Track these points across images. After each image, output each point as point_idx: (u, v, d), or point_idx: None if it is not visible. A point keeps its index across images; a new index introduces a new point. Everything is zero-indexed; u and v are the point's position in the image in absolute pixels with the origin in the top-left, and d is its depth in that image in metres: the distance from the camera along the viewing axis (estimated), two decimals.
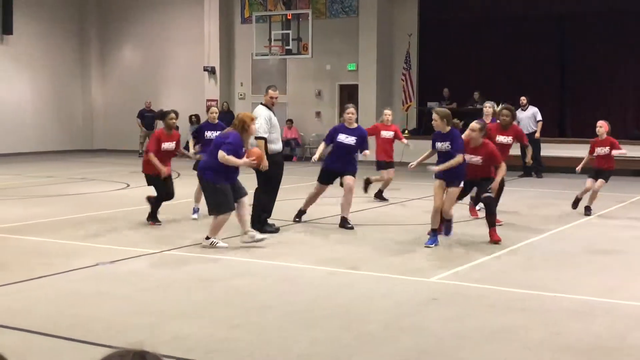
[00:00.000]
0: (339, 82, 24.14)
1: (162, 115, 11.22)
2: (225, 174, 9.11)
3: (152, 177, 10.94)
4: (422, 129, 22.53)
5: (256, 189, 10.58)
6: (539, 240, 10.03)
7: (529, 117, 18.92)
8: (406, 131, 22.78)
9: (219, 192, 9.11)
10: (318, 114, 24.55)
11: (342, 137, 11.02)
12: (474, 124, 9.77)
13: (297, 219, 11.34)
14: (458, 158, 9.11)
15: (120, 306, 6.75)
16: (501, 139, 10.99)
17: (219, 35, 25.40)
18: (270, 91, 10.73)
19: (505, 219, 11.12)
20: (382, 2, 23.11)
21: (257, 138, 10.06)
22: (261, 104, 10.75)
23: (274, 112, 10.70)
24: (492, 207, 9.74)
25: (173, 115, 11.01)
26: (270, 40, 22.65)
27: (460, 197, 10.11)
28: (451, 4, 22.70)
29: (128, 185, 16.13)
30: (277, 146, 10.57)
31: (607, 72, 21.10)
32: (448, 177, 9.40)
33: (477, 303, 6.87)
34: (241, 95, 25.52)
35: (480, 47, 22.59)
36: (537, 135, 18.39)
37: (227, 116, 24.33)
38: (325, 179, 11.22)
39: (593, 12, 21.17)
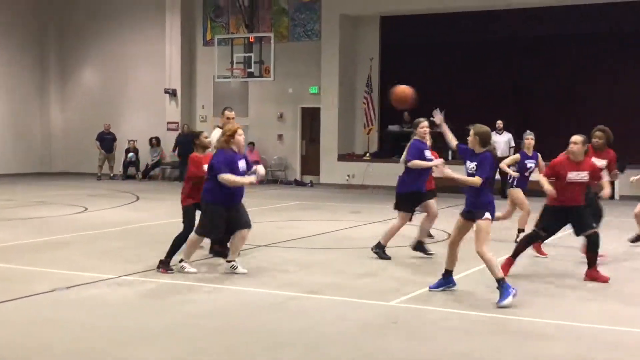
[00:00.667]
0: (301, 105, 24.23)
1: (195, 135, 10.19)
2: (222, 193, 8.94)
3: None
4: (384, 152, 22.73)
5: None
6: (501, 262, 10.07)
7: (505, 141, 19.13)
8: (367, 154, 22.99)
9: (207, 212, 9.06)
10: (280, 136, 24.59)
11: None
12: (577, 137, 8.77)
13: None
14: (476, 179, 7.93)
15: (75, 332, 6.67)
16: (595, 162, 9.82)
17: (180, 57, 25.38)
18: (226, 112, 10.73)
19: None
20: (345, 26, 23.32)
21: None
22: (218, 126, 10.74)
23: None
24: (597, 244, 8.82)
25: (206, 134, 10.47)
26: (232, 63, 22.68)
27: (547, 236, 9.24)
28: (411, 29, 22.94)
29: (86, 209, 15.96)
30: None
31: (563, 95, 21.48)
32: (472, 208, 8.03)
33: (438, 326, 6.90)
34: (202, 117, 25.46)
35: (440, 71, 22.87)
36: None
37: (186, 138, 24.37)
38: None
39: (548, 36, 21.57)
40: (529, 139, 11.78)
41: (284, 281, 8.89)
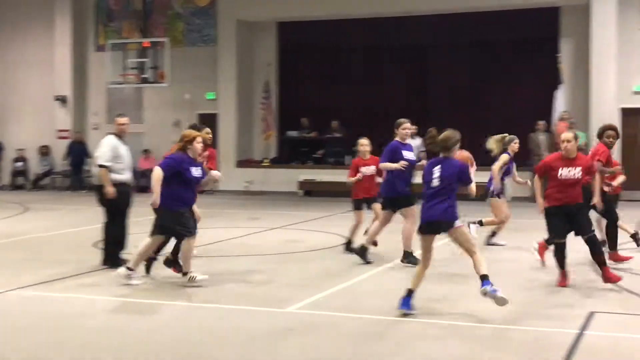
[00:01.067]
0: (198, 111, 23.89)
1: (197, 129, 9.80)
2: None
3: None
4: (283, 158, 22.71)
5: (104, 222, 10.23)
6: (393, 266, 10.13)
7: (417, 146, 19.36)
8: (266, 160, 22.89)
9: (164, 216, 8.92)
10: None
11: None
12: (568, 134, 8.67)
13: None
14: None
15: None
16: None
17: (71, 62, 24.62)
18: (117, 119, 10.50)
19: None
20: (241, 31, 23.18)
21: (99, 166, 9.96)
22: (111, 133, 10.44)
23: (124, 142, 10.40)
24: (598, 247, 8.69)
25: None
26: (125, 68, 22.17)
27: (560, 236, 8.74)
28: (309, 33, 23.03)
29: None
30: (122, 176, 10.18)
31: (468, 101, 21.88)
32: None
33: (333, 331, 6.85)
34: (95, 125, 24.76)
35: (339, 76, 23.04)
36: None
37: (78, 147, 23.69)
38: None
39: (452, 43, 22.02)
40: (516, 143, 11.84)
41: (178, 291, 8.67)
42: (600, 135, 10.36)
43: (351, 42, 22.86)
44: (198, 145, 8.93)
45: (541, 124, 19.75)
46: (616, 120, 19.64)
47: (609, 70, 19.64)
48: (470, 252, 7.51)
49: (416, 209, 10.08)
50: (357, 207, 11.05)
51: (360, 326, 7.04)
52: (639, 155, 20.06)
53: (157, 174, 8.72)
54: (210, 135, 10.17)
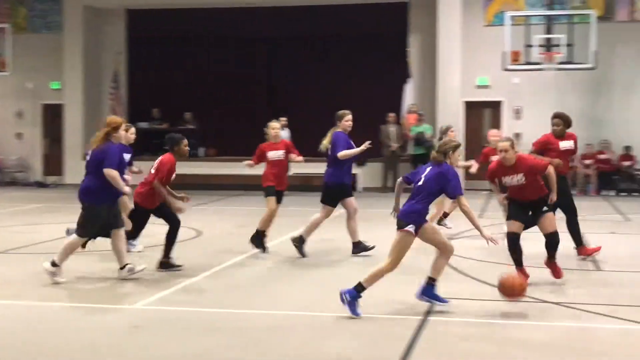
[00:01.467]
0: (42, 101, 22.99)
1: (176, 141, 9.44)
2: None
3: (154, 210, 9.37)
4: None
5: None
6: (243, 260, 10.16)
7: (287, 137, 19.30)
8: None
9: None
10: (19, 135, 23.16)
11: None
12: (505, 144, 8.30)
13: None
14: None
15: None
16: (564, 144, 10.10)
17: None
18: None
19: (208, 239, 11.15)
20: (89, 18, 22.45)
21: None
22: None
23: None
24: (556, 244, 8.48)
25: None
26: None
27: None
28: (159, 22, 22.58)
29: None
30: None
31: (320, 94, 22.08)
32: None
33: (179, 327, 6.75)
34: None
35: (191, 65, 22.76)
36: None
37: None
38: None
39: (303, 36, 22.19)
40: (453, 131, 12.38)
41: (15, 290, 8.30)
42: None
43: (202, 32, 22.57)
44: (122, 132, 8.92)
45: (392, 116, 20.31)
46: (460, 113, 20.55)
47: (454, 65, 20.43)
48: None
49: (354, 200, 10.34)
50: (269, 193, 10.38)
51: (206, 321, 6.99)
52: (481, 147, 20.96)
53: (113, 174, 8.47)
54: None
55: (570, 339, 6.39)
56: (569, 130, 10.23)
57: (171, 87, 22.70)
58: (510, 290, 7.19)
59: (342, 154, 10.03)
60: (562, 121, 10.13)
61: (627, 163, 19.92)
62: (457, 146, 7.47)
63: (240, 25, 22.36)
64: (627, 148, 19.99)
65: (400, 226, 7.19)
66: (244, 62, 22.71)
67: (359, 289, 7.06)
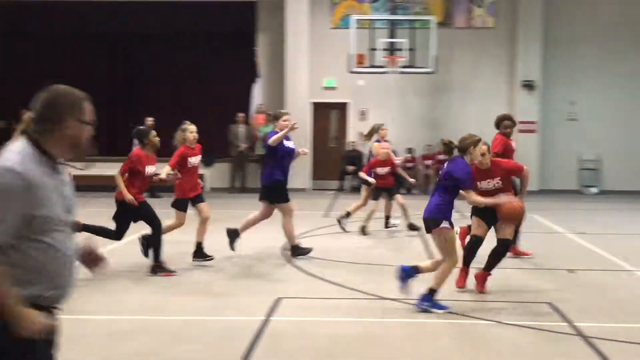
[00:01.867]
0: None
1: (143, 133, 9.32)
2: None
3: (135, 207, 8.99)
4: None
5: None
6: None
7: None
8: None
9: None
10: None
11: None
12: (484, 147, 8.03)
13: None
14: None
15: None
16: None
17: None
18: None
19: None
20: None
21: None
22: None
23: None
24: (505, 254, 8.35)
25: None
26: None
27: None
28: (10, 17, 21.45)
29: None
30: None
31: (173, 92, 21.79)
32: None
33: None
34: None
35: (37, 62, 21.79)
36: None
37: None
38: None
39: (153, 34, 21.74)
40: (385, 130, 12.66)
41: None
42: (497, 125, 10.27)
43: (56, 27, 21.64)
44: None
45: (241, 116, 20.32)
46: (308, 114, 20.88)
47: (301, 66, 20.71)
48: (442, 258, 7.37)
49: (292, 205, 10.16)
50: (183, 207, 9.70)
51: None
52: (328, 147, 21.46)
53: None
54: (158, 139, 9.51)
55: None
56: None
57: (12, 82, 21.66)
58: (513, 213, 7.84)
59: (273, 139, 9.89)
60: (512, 123, 10.30)
61: None
62: (477, 141, 7.62)
63: (90, 21, 21.62)
64: None
65: (430, 227, 7.40)
66: (95, 59, 22.07)
67: (432, 293, 7.29)
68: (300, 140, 20.57)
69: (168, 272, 9.04)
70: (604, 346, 6.20)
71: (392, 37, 19.55)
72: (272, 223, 10.49)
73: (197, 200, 9.78)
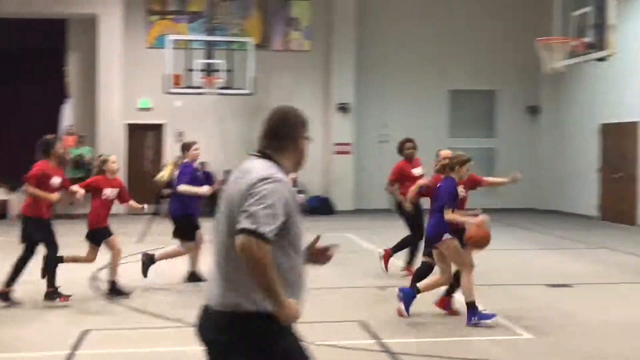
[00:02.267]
0: None
1: (48, 144, 8.90)
2: None
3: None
4: None
5: None
6: None
7: None
8: None
9: None
10: None
11: None
12: (447, 152, 8.86)
13: None
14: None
15: None
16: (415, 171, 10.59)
17: None
18: None
19: None
20: None
21: None
22: None
23: None
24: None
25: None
26: None
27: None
28: None
29: None
30: None
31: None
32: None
33: None
34: None
35: None
36: None
37: None
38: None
39: None
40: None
41: None
42: (400, 150, 10.95)
43: None
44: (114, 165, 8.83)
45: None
46: (122, 136, 20.39)
47: (114, 86, 20.16)
48: (460, 268, 7.87)
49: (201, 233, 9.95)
50: (97, 240, 9.27)
51: None
52: (144, 170, 21.00)
53: None
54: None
55: None
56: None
57: None
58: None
59: (182, 189, 9.89)
60: (414, 145, 10.70)
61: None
62: (465, 161, 8.04)
63: None
64: None
65: (434, 243, 7.96)
66: None
67: (473, 306, 7.70)
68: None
69: (65, 296, 8.72)
70: None
71: (209, 58, 19.49)
72: (82, 249, 10.09)
73: (105, 233, 9.31)
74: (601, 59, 13.61)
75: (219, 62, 19.25)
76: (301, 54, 21.62)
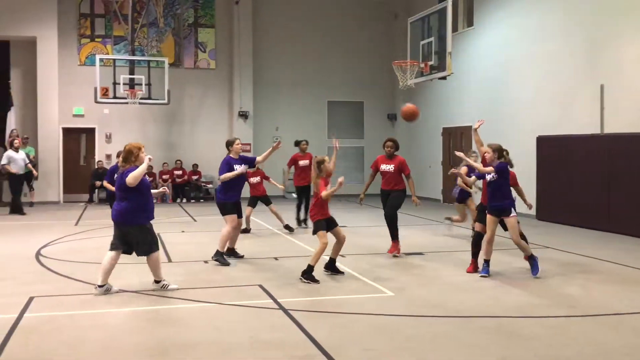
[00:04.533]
0: None
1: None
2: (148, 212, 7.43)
3: None
4: None
5: None
6: None
7: (22, 158, 16.19)
8: None
9: (150, 231, 7.42)
10: None
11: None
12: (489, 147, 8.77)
13: None
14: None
15: None
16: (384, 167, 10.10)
17: None
18: None
19: None
20: None
21: None
22: None
23: None
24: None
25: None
26: None
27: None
28: None
29: None
30: None
31: None
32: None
33: None
34: None
35: None
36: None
37: None
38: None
39: None
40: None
41: None
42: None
43: None
44: (143, 155, 7.49)
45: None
46: (60, 138, 19.65)
47: (52, 96, 19.50)
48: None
49: (236, 217, 9.39)
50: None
51: None
52: (78, 166, 20.35)
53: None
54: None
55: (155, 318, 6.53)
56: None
57: None
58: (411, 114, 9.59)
59: (223, 176, 9.34)
60: (393, 144, 10.12)
61: (195, 177, 20.94)
62: (500, 149, 8.40)
63: None
64: (195, 165, 21.01)
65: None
66: None
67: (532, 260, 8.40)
68: (53, 161, 19.36)
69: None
70: (298, 315, 6.53)
71: (132, 73, 19.10)
72: (26, 232, 9.69)
73: None
74: (442, 78, 14.06)
75: (140, 77, 18.88)
76: (208, 71, 21.37)
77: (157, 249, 7.56)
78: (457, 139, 19.22)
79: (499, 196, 8.25)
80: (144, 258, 7.57)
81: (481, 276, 8.38)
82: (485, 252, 8.38)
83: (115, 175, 8.58)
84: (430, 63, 14.07)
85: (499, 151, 8.34)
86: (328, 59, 22.20)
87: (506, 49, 16.86)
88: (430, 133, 20.73)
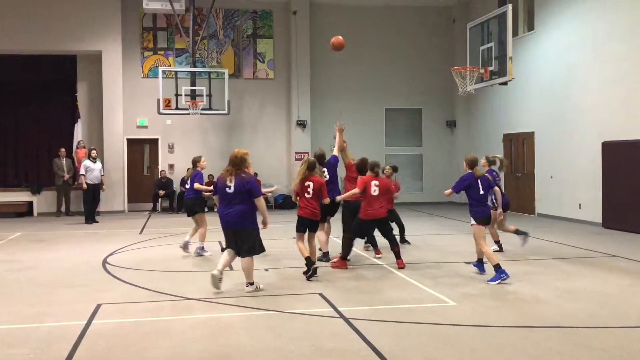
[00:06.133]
0: None
1: None
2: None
3: None
4: None
5: None
6: None
7: (99, 169, 17.02)
8: None
9: (258, 235, 8.04)
10: None
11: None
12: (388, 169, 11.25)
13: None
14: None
15: None
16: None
17: None
18: None
19: None
20: None
21: None
22: None
23: None
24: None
25: None
26: None
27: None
28: None
29: None
30: None
31: (5, 134, 20.22)
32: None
33: None
34: None
35: None
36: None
37: None
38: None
39: None
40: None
41: None
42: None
43: None
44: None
45: (63, 150, 19.18)
46: (124, 149, 20.15)
47: (117, 109, 19.99)
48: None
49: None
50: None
51: None
52: (142, 175, 20.78)
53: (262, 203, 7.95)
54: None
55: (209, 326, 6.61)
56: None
57: None
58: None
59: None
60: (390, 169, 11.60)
61: None
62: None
63: None
64: (255, 174, 21.15)
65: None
66: None
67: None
68: (118, 171, 19.90)
69: None
70: (359, 323, 6.49)
71: (193, 85, 19.44)
72: (94, 240, 9.97)
73: None
74: (503, 83, 13.84)
75: (201, 88, 19.19)
76: (267, 81, 21.59)
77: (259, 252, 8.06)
78: (518, 145, 18.83)
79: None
80: (192, 267, 7.68)
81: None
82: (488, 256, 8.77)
83: (209, 179, 9.47)
84: (490, 68, 13.86)
85: (471, 163, 8.93)
86: (385, 67, 22.13)
87: (569, 52, 16.44)
88: (490, 139, 20.38)
